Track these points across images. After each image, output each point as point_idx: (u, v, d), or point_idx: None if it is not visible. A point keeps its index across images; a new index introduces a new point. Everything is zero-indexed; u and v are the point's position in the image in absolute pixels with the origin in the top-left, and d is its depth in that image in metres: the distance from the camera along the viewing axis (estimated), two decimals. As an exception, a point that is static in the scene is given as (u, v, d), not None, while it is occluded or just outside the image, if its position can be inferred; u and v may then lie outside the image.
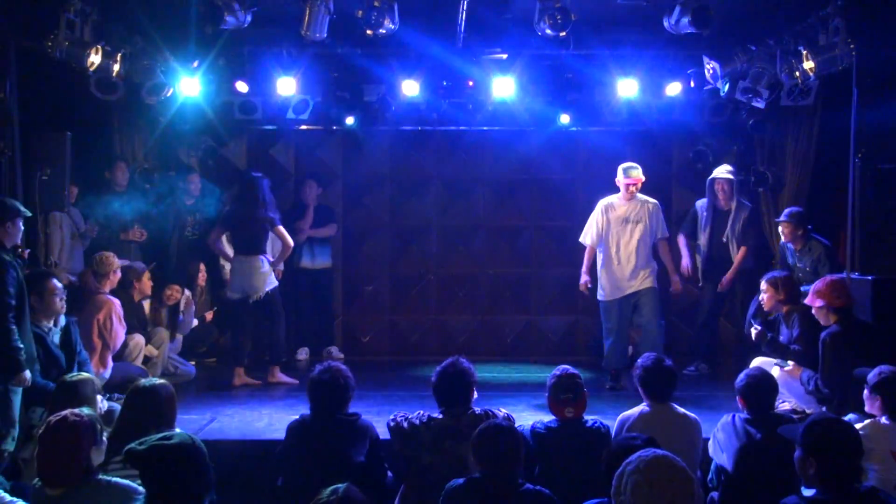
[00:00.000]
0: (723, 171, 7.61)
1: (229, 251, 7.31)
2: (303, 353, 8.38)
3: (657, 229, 6.98)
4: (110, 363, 6.05)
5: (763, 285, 5.92)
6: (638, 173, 6.89)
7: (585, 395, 4.30)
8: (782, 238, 6.97)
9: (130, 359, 6.41)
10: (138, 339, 6.55)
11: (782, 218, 6.88)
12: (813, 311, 5.33)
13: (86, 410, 3.42)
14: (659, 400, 4.27)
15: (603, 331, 6.99)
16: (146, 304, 7.01)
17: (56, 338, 5.21)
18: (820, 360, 5.15)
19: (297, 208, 8.34)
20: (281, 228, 6.98)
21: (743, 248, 7.51)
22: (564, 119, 8.17)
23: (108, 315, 6.01)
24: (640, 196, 6.99)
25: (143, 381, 3.93)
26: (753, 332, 5.74)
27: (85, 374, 4.99)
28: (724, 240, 7.58)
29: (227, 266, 7.34)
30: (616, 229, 6.89)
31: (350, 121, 8.24)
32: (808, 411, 5.43)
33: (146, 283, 6.79)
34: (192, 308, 7.39)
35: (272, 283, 6.91)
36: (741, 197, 7.64)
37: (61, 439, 3.18)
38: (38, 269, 5.79)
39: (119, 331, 6.08)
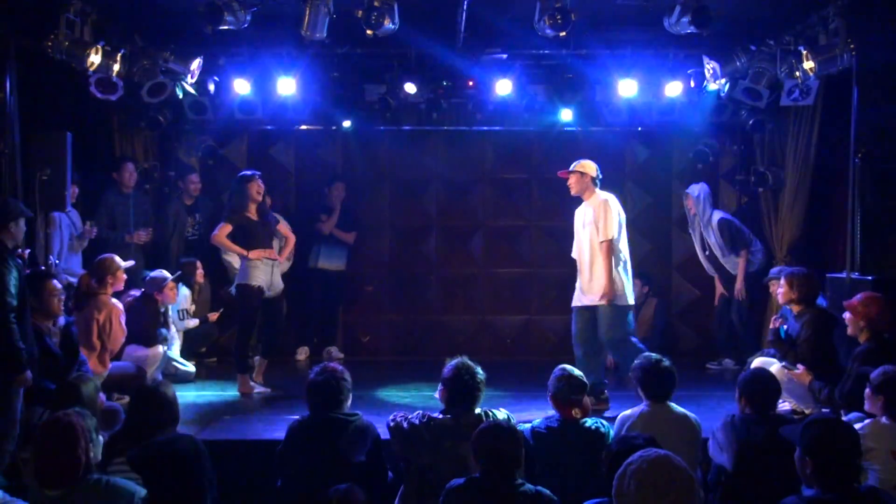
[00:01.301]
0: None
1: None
2: (302, 353, 8.38)
3: (594, 233, 6.01)
4: (109, 364, 6.04)
5: (782, 280, 5.93)
6: (573, 167, 6.21)
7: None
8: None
9: (151, 369, 6.40)
10: (159, 350, 6.53)
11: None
12: (845, 317, 5.22)
13: (81, 410, 3.42)
14: (658, 400, 4.27)
15: None
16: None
17: (56, 338, 5.21)
18: (850, 376, 5.08)
19: (324, 209, 8.40)
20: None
21: (742, 255, 7.63)
22: (566, 115, 8.15)
23: (108, 317, 5.99)
24: (600, 195, 6.11)
25: (148, 383, 3.94)
26: (772, 322, 5.86)
27: (86, 374, 5.00)
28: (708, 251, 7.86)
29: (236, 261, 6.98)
30: (577, 236, 6.26)
31: (347, 124, 8.22)
32: (807, 411, 5.43)
33: (168, 294, 6.76)
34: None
35: (239, 277, 6.60)
36: (706, 205, 7.78)
37: (56, 440, 3.18)
38: (37, 270, 5.78)
39: (118, 334, 6.05)
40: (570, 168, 6.20)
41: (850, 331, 5.19)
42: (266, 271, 6.56)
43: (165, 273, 6.82)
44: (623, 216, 6.13)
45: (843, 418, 4.48)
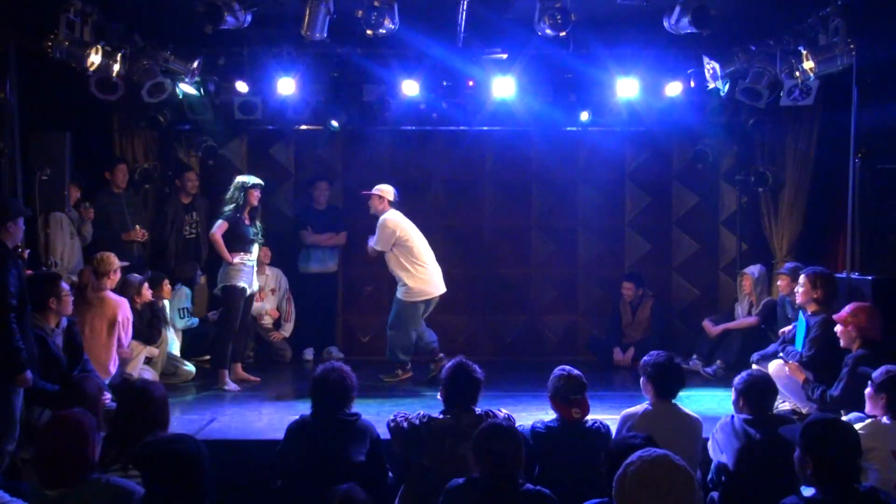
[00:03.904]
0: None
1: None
2: (309, 354, 8.39)
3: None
4: (117, 362, 6.03)
5: (801, 278, 5.81)
6: (374, 189, 7.32)
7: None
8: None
9: (133, 363, 6.39)
10: (135, 343, 6.54)
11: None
12: (837, 330, 5.22)
13: (84, 410, 3.42)
14: (665, 397, 4.27)
15: None
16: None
17: (59, 339, 5.20)
18: (843, 379, 5.08)
19: (309, 213, 8.39)
20: None
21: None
22: (584, 116, 8.14)
23: (126, 315, 6.02)
24: (384, 216, 7.28)
25: (135, 382, 3.92)
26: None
27: (90, 374, 4.99)
28: None
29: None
30: None
31: (335, 123, 8.19)
32: (805, 411, 5.43)
33: (146, 294, 6.74)
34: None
35: (224, 280, 6.87)
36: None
37: (65, 439, 3.17)
38: (47, 272, 5.78)
39: (131, 330, 6.13)
40: (373, 190, 7.33)
41: (843, 343, 5.17)
42: (249, 273, 6.90)
43: (137, 276, 6.80)
44: (405, 229, 7.28)
45: (843, 418, 4.47)
